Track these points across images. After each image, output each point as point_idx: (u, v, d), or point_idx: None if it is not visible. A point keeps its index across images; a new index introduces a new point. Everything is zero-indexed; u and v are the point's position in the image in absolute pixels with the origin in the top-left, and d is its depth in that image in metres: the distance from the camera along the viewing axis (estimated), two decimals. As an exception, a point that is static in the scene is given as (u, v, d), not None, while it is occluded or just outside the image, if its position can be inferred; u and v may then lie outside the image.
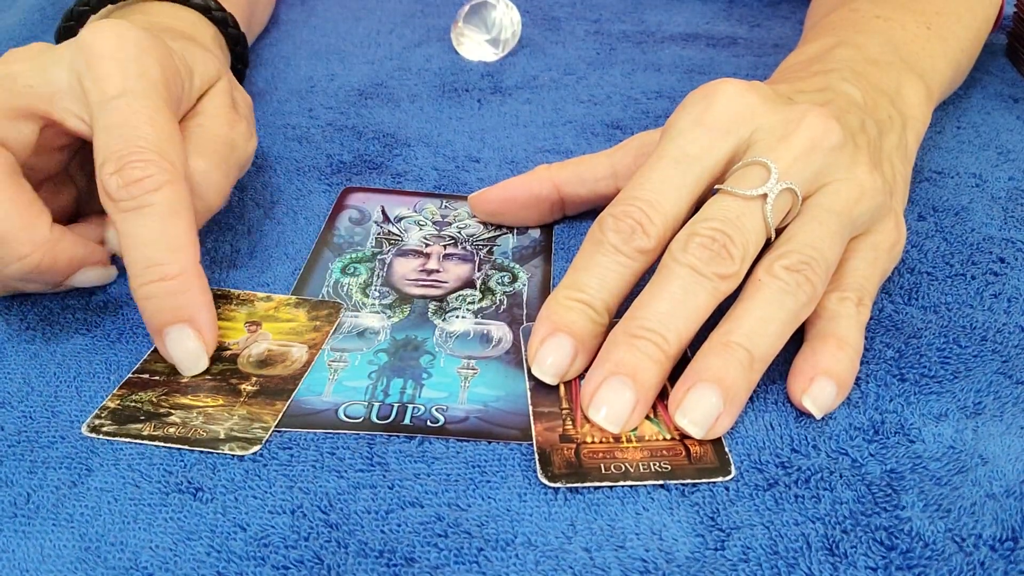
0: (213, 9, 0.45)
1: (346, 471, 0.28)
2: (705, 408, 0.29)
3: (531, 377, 0.31)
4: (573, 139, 0.48)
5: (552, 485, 0.28)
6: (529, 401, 0.31)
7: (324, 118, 0.50)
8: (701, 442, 0.29)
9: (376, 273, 0.38)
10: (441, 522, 0.27)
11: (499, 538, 0.26)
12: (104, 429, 0.29)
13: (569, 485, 0.28)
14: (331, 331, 0.34)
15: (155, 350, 0.33)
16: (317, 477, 0.28)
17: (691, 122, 0.32)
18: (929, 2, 0.47)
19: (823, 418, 0.30)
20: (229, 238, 0.40)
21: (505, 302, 0.36)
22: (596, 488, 0.28)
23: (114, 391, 0.31)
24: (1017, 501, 0.27)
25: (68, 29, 0.43)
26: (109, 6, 0.43)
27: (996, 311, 0.35)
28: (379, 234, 0.40)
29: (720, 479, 0.28)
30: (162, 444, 0.29)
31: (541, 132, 0.49)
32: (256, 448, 0.29)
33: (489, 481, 0.28)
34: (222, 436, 0.29)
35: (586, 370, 0.31)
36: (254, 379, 0.31)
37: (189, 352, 0.31)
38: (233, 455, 0.28)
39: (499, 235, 0.40)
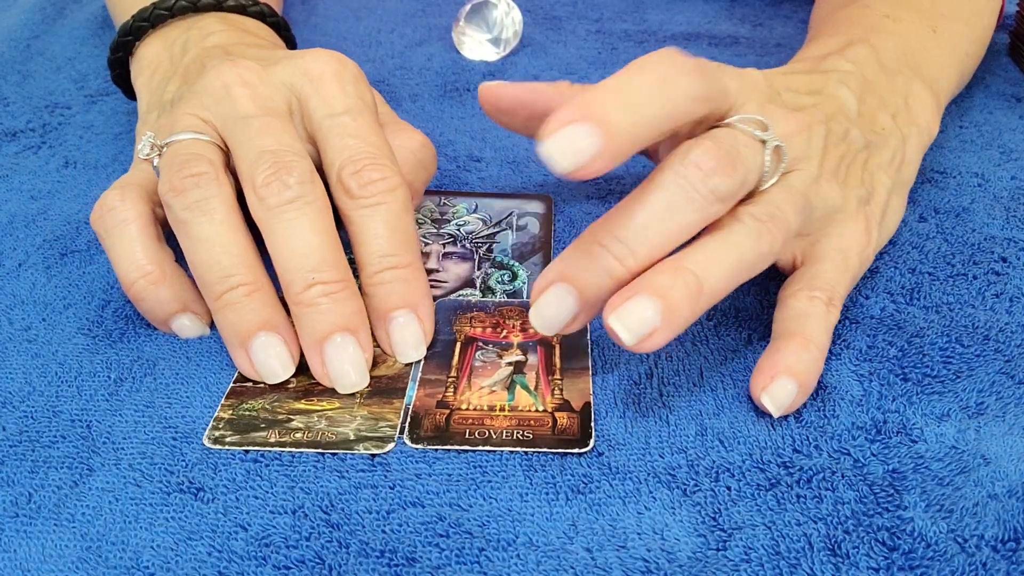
0: (267, 15, 0.46)
1: (347, 471, 0.28)
2: (642, 317, 0.27)
3: (429, 348, 0.33)
4: (574, 138, 0.48)
5: (414, 447, 0.29)
6: (420, 369, 0.32)
7: (325, 117, 0.50)
8: (570, 415, 0.30)
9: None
10: (442, 522, 0.27)
11: (500, 538, 0.26)
12: (228, 440, 0.29)
13: (430, 447, 0.29)
14: None
15: None
16: (318, 477, 0.28)
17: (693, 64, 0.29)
18: (934, 4, 0.46)
19: (825, 418, 0.30)
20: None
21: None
22: (460, 452, 0.29)
23: (222, 401, 0.31)
24: (1019, 502, 0.27)
25: (124, 44, 0.44)
26: (168, 20, 0.43)
27: (998, 311, 0.35)
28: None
29: (577, 450, 0.29)
30: (293, 450, 0.29)
31: (542, 131, 0.49)
32: (391, 447, 0.29)
33: (490, 481, 0.28)
34: (352, 437, 0.29)
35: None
36: None
37: (415, 336, 0.32)
38: (369, 454, 0.29)
39: (498, 231, 0.40)
